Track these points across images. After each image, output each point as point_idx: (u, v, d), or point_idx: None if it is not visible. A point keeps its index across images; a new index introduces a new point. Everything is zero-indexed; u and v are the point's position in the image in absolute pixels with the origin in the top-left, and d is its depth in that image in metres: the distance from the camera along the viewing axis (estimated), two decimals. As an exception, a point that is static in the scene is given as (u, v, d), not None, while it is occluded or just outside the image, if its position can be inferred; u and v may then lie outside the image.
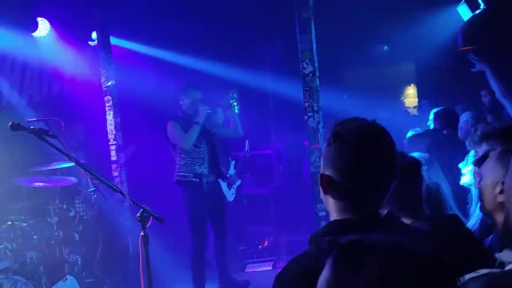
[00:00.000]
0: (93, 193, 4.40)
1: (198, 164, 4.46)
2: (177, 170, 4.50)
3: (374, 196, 1.28)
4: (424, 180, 1.90)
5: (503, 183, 1.32)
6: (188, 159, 4.44)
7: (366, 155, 1.24)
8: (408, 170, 1.77)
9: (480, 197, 1.56)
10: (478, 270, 1.06)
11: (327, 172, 1.28)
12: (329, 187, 1.28)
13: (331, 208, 1.31)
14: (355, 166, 1.24)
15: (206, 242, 4.55)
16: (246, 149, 5.86)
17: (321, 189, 1.31)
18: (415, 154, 2.07)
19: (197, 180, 4.43)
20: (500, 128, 1.95)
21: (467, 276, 1.04)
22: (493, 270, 1.07)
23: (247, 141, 5.96)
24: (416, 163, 1.87)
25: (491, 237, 1.69)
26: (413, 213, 1.78)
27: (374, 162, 1.24)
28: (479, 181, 1.55)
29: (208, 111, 4.48)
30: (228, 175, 5.57)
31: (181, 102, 4.52)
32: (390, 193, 1.49)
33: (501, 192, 1.35)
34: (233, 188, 5.73)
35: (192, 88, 4.56)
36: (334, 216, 1.31)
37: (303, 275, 1.19)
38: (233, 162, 5.77)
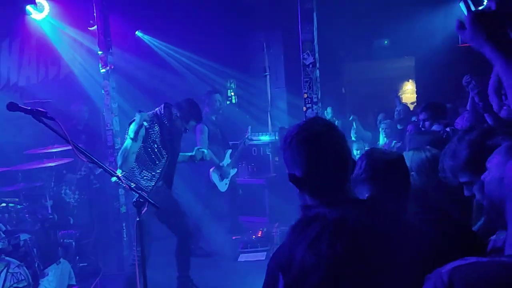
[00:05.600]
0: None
1: None
2: None
3: (333, 185, 1.41)
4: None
5: None
6: None
7: (313, 152, 1.39)
8: (390, 165, 1.75)
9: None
10: (466, 258, 0.95)
11: (293, 171, 1.44)
12: (297, 183, 1.43)
13: (307, 201, 1.45)
14: (308, 164, 1.40)
15: None
16: (246, 135, 5.86)
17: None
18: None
19: None
20: None
21: (452, 265, 0.94)
22: (480, 259, 0.93)
23: (249, 127, 5.97)
24: (395, 159, 1.80)
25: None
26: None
27: (322, 157, 1.39)
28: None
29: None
30: (221, 165, 5.54)
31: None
32: (378, 190, 1.69)
33: None
34: (226, 178, 5.70)
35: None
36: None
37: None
38: (229, 151, 5.75)
